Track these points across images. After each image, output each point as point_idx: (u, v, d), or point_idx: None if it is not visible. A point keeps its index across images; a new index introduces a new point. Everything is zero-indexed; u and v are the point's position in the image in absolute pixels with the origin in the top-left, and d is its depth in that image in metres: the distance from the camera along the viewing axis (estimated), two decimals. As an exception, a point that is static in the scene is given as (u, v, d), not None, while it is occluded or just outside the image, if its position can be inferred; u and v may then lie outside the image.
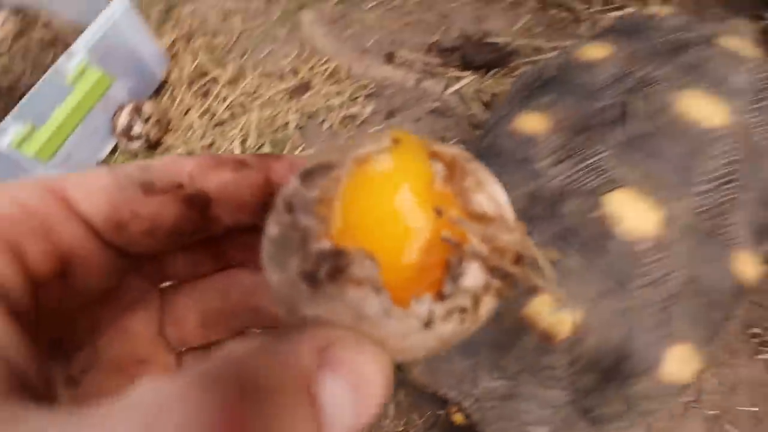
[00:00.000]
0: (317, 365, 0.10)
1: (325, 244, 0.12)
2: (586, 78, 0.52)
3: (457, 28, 0.97)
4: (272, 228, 0.13)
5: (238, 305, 0.19)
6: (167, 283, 0.20)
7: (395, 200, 0.12)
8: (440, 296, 0.12)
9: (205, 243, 0.19)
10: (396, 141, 0.13)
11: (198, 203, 0.16)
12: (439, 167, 0.14)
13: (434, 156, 0.14)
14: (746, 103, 0.44)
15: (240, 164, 0.17)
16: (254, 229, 0.15)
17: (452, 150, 0.14)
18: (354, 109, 0.91)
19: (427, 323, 0.12)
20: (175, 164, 0.16)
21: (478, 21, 0.97)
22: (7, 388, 0.10)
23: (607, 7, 0.94)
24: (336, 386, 0.10)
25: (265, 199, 0.17)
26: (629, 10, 0.93)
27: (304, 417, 0.10)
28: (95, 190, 0.15)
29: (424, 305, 0.12)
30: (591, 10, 0.95)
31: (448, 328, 0.12)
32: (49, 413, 0.09)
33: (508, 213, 0.14)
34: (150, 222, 0.16)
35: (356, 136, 0.18)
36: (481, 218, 0.13)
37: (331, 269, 0.11)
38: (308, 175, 0.13)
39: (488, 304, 0.13)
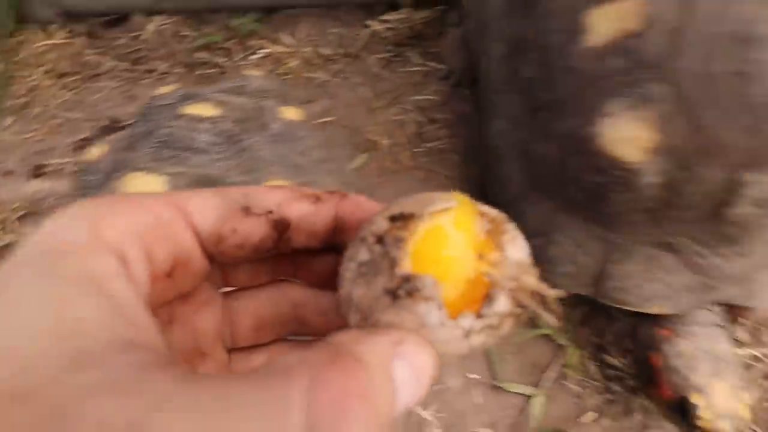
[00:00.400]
0: (393, 354, 0.16)
1: (407, 270, 0.18)
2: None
3: (106, 117, 0.92)
4: (363, 254, 0.19)
5: (287, 315, 0.23)
6: (229, 289, 0.24)
7: (454, 245, 0.19)
8: (479, 315, 0.18)
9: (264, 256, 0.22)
10: (457, 201, 0.19)
11: (281, 227, 0.22)
12: (485, 223, 0.20)
13: (482, 215, 0.20)
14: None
15: (317, 198, 0.22)
16: (312, 254, 0.23)
17: (494, 212, 0.21)
18: (9, 237, 0.79)
19: (467, 334, 0.18)
20: (269, 193, 0.22)
21: (127, 104, 0.94)
22: (164, 362, 0.14)
23: (247, 54, 0.98)
24: (405, 370, 0.16)
25: (330, 228, 0.22)
26: (265, 50, 0.98)
27: (385, 386, 0.15)
28: (208, 208, 0.20)
29: (467, 320, 0.18)
30: (234, 60, 0.98)
31: (479, 339, 0.18)
32: (204, 380, 0.14)
33: (529, 260, 0.20)
34: (243, 238, 0.21)
35: (429, 195, 0.19)
36: (510, 263, 0.19)
37: (409, 288, 0.17)
38: (395, 219, 0.19)
39: (507, 325, 0.19)
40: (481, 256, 0.19)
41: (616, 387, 0.72)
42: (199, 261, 0.21)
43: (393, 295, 0.18)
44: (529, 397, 0.71)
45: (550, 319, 0.20)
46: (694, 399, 0.60)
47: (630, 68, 0.51)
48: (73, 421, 0.12)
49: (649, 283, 0.60)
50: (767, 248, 0.58)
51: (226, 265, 0.23)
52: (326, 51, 0.99)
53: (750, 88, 0.47)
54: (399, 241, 0.18)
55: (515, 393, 0.72)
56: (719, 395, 0.59)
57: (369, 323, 0.18)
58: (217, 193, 0.21)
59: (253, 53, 0.97)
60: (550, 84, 0.58)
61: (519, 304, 0.19)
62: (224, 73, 0.96)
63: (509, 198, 0.71)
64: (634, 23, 0.50)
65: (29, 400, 0.12)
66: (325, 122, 0.91)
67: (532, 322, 0.72)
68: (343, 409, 0.14)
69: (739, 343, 0.75)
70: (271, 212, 0.21)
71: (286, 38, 1.00)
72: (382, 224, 0.19)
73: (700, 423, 0.59)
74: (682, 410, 0.61)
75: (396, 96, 0.95)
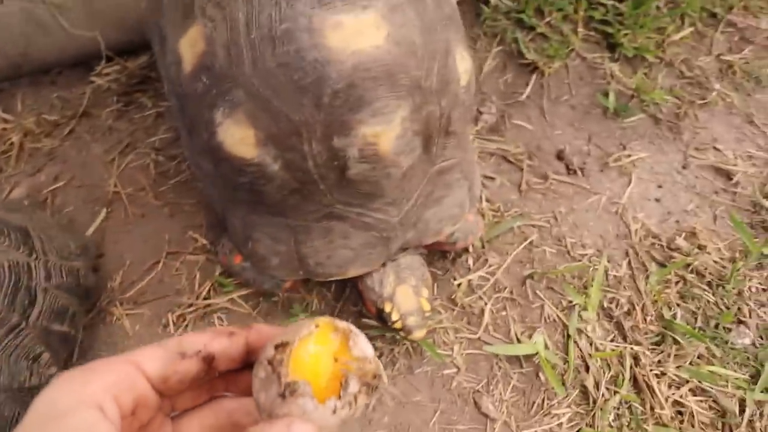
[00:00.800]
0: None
1: (289, 379, 0.30)
2: None
3: None
4: (261, 372, 0.31)
5: (225, 422, 0.35)
6: (176, 413, 0.36)
7: (317, 356, 0.32)
8: (339, 397, 0.31)
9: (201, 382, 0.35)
10: (317, 325, 0.33)
11: (209, 360, 0.33)
12: (337, 335, 0.34)
13: (336, 330, 0.34)
14: None
15: (231, 333, 0.35)
16: (236, 371, 0.36)
17: (344, 325, 0.34)
18: None
19: (334, 411, 0.30)
20: (196, 337, 0.34)
21: None
22: None
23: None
24: None
25: (244, 353, 0.35)
26: (-19, 132, 0.95)
27: None
28: (155, 359, 0.31)
29: (332, 402, 0.30)
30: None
31: (344, 412, 0.31)
32: None
33: (371, 354, 0.33)
34: (183, 375, 0.32)
35: (300, 323, 0.36)
36: (356, 358, 0.33)
37: (291, 390, 0.30)
38: (278, 347, 0.31)
39: (362, 399, 0.32)
40: (336, 359, 0.33)
41: (378, 344, 0.82)
42: (152, 398, 0.32)
43: (282, 396, 0.30)
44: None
45: (380, 384, 0.34)
46: (386, 308, 0.71)
47: (213, 83, 0.59)
48: None
49: (336, 252, 0.69)
50: (415, 191, 0.70)
51: (172, 396, 0.35)
52: (52, 117, 0.98)
53: (293, 74, 0.56)
54: (281, 362, 0.31)
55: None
56: (402, 299, 0.71)
57: (273, 416, 0.30)
58: (160, 346, 0.33)
59: (-32, 140, 0.93)
60: (183, 110, 0.65)
61: (366, 384, 0.32)
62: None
63: (221, 214, 0.77)
64: (202, 46, 0.58)
65: None
66: (56, 188, 0.91)
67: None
68: None
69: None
70: (200, 351, 0.33)
71: (3, 115, 0.97)
72: (270, 351, 0.32)
73: (394, 325, 0.71)
74: (383, 320, 0.72)
75: (131, 143, 0.96)
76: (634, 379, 0.83)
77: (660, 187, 1.06)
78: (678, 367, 0.84)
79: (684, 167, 1.09)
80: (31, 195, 0.89)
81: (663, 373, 0.83)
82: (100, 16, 0.94)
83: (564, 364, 0.83)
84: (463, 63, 0.68)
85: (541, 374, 0.82)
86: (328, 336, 0.34)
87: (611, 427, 0.77)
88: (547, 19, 1.17)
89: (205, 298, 0.82)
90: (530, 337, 0.84)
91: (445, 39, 0.65)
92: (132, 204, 0.89)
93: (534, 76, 1.14)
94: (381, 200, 0.67)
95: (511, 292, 0.88)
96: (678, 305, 0.90)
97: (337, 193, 0.65)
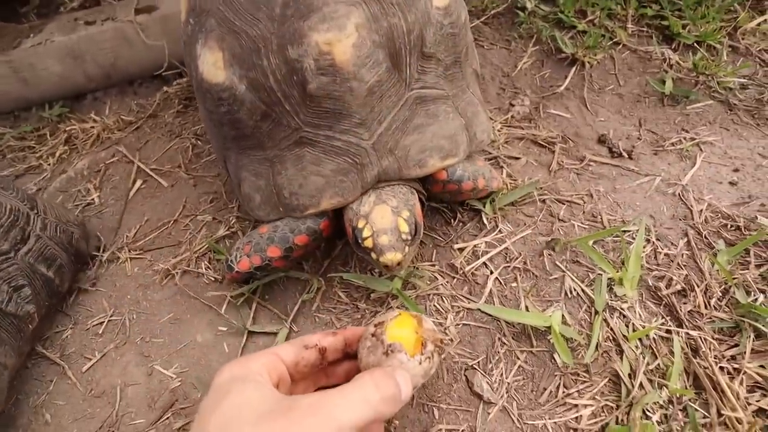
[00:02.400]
0: (386, 375, 0.48)
1: (389, 342, 0.52)
2: None
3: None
4: (368, 342, 0.53)
5: None
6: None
7: (403, 329, 0.54)
8: (422, 353, 0.52)
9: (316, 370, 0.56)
10: (399, 313, 0.56)
11: (322, 351, 0.54)
12: (414, 318, 0.56)
13: (413, 315, 0.56)
14: None
15: (334, 333, 0.56)
16: (335, 363, 0.58)
17: (418, 315, 0.57)
18: None
19: (420, 363, 0.52)
20: (313, 336, 0.55)
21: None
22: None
23: (58, 134, 1.14)
24: (401, 378, 0.48)
25: (343, 346, 0.56)
26: (72, 127, 1.15)
27: (392, 385, 0.47)
28: (289, 351, 0.52)
29: (417, 357, 0.52)
30: (46, 142, 1.13)
31: (426, 364, 0.52)
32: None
33: (433, 327, 0.56)
34: (306, 361, 0.53)
35: (389, 312, 0.57)
36: (428, 330, 0.55)
37: (392, 349, 0.51)
38: (377, 325, 0.54)
39: (436, 356, 0.54)
40: (416, 331, 0.54)
41: (362, 304, 0.73)
42: (287, 378, 0.51)
43: (386, 354, 0.51)
44: (276, 334, 0.72)
45: (441, 346, 0.56)
46: (359, 223, 0.63)
47: (196, 21, 0.66)
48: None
49: (308, 179, 0.67)
50: (388, 113, 0.66)
51: (296, 381, 0.54)
52: (129, 118, 1.16)
53: None
54: (382, 333, 0.53)
55: (265, 333, 0.72)
56: (378, 216, 0.63)
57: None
58: (290, 343, 0.53)
59: (64, 132, 1.13)
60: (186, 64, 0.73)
61: (436, 345, 0.54)
62: (35, 154, 1.11)
63: (221, 161, 0.80)
64: None
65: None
66: (110, 163, 1.04)
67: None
68: (387, 385, 0.46)
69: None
70: (316, 344, 0.54)
71: (93, 117, 1.17)
72: (371, 329, 0.54)
73: (364, 243, 0.62)
74: (357, 242, 0.63)
75: (179, 132, 1.08)
76: (694, 375, 0.61)
77: (737, 170, 0.87)
78: (762, 366, 0.61)
79: (772, 152, 0.89)
80: (90, 166, 1.03)
81: (737, 370, 0.61)
82: (171, 33, 1.13)
83: (588, 343, 0.65)
84: (435, -15, 0.67)
85: (557, 357, 0.65)
86: (408, 318, 0.56)
87: (655, 427, 0.56)
88: (590, 18, 1.12)
89: (198, 254, 0.83)
90: (545, 311, 0.69)
91: (411, -40, 0.66)
92: (166, 177, 0.98)
93: (573, 69, 1.07)
94: (348, 120, 0.64)
95: (525, 263, 0.75)
96: (762, 291, 0.67)
97: (304, 114, 0.64)
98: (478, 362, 0.66)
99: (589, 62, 1.07)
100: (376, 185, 0.68)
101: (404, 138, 0.67)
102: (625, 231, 0.76)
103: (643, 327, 0.65)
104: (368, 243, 0.62)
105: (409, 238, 0.63)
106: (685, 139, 0.93)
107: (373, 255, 0.62)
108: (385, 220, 0.63)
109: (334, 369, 0.58)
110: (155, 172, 1.00)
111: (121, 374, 0.71)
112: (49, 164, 1.07)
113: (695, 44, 1.07)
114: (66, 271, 0.78)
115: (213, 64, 0.64)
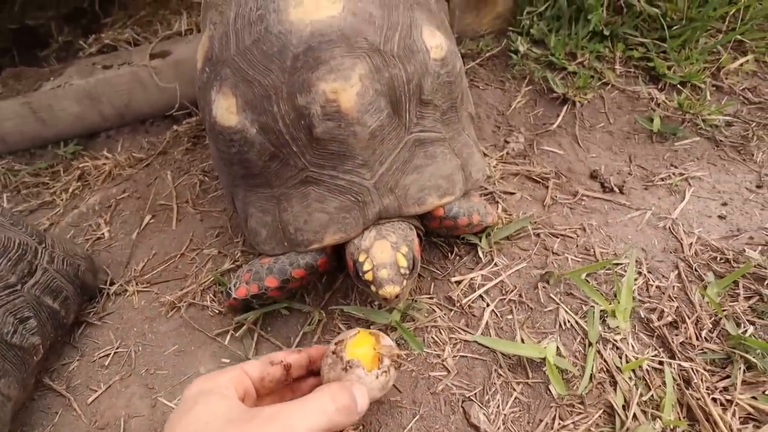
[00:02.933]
0: (351, 387, 0.53)
1: (348, 359, 0.57)
2: None
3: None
4: (329, 359, 0.59)
5: None
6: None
7: (361, 345, 0.59)
8: (379, 368, 0.58)
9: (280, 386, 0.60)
10: (358, 331, 0.61)
11: (287, 368, 0.58)
12: (371, 336, 0.61)
13: (369, 333, 0.61)
14: None
15: (298, 351, 0.61)
16: (299, 379, 0.62)
17: (374, 331, 0.63)
18: None
19: (377, 377, 0.57)
20: (279, 354, 0.59)
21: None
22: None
23: (71, 170, 1.19)
24: (357, 393, 0.53)
25: (307, 363, 0.61)
26: (86, 164, 1.20)
27: (347, 397, 0.52)
28: (255, 366, 0.56)
29: (374, 371, 0.57)
30: (59, 178, 1.18)
31: (383, 378, 0.58)
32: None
33: (393, 344, 0.61)
34: (271, 376, 0.57)
35: (348, 331, 0.62)
36: (385, 347, 0.59)
37: (350, 365, 0.57)
38: (337, 343, 0.60)
39: (392, 370, 0.60)
40: (373, 348, 0.59)
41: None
42: (253, 392, 0.55)
43: (345, 369, 0.57)
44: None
45: (403, 361, 0.63)
46: (360, 257, 0.66)
47: (212, 69, 0.71)
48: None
49: (312, 216, 0.70)
50: (389, 155, 0.70)
51: (262, 397, 0.57)
52: (140, 155, 1.21)
53: (263, 46, 0.66)
54: (341, 351, 0.58)
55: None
56: (378, 251, 0.66)
57: None
58: (257, 360, 0.58)
59: (77, 169, 1.18)
60: (199, 107, 0.78)
61: (393, 360, 0.59)
62: (48, 190, 1.16)
63: (229, 197, 0.84)
64: (206, 44, 0.73)
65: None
66: (121, 198, 1.08)
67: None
68: (343, 397, 0.51)
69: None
70: (281, 361, 0.58)
71: (105, 154, 1.22)
72: (332, 346, 0.60)
73: (364, 276, 0.64)
74: (357, 275, 0.66)
75: (187, 169, 1.13)
76: (687, 406, 0.62)
77: (725, 204, 0.90)
78: (753, 397, 0.62)
79: (759, 186, 0.93)
80: (102, 202, 1.07)
81: (729, 402, 0.62)
82: (182, 76, 1.20)
83: (581, 374, 0.66)
84: (433, 39, 0.72)
85: (552, 388, 0.66)
86: (366, 336, 0.60)
87: (648, 460, 0.57)
88: (579, 60, 1.18)
89: (204, 287, 0.85)
90: (540, 343, 0.70)
91: (410, 16, 0.71)
92: (173, 212, 1.02)
93: (565, 108, 1.12)
94: (351, 161, 0.68)
95: (520, 295, 0.77)
96: (752, 323, 0.69)
97: (310, 155, 0.69)
98: (475, 394, 0.67)
99: (579, 101, 1.12)
100: (377, 222, 0.71)
101: (404, 178, 0.71)
102: (616, 264, 0.79)
103: (636, 358, 0.67)
104: (368, 276, 0.65)
105: (407, 272, 0.65)
106: (674, 174, 0.96)
107: (373, 288, 0.65)
108: (385, 254, 0.66)
109: (299, 385, 0.62)
110: (163, 207, 1.04)
111: (126, 406, 0.72)
112: (62, 200, 1.11)
113: (680, 84, 1.12)
114: (71, 303, 0.80)
115: (226, 109, 0.69)
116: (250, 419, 0.46)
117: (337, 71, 0.65)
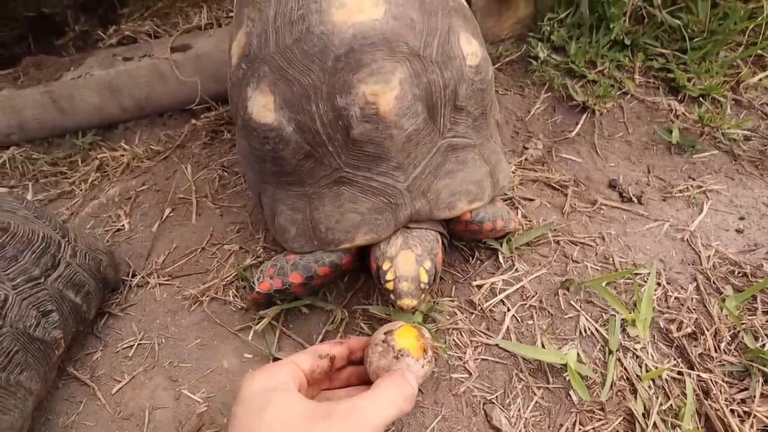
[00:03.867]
0: (406, 375, 0.56)
1: (399, 348, 0.59)
2: None
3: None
4: (378, 348, 0.60)
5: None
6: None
7: (408, 336, 0.61)
8: (425, 357, 0.60)
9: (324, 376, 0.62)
10: (403, 323, 0.64)
11: (332, 360, 0.61)
12: (413, 329, 0.63)
13: (413, 325, 0.64)
14: None
15: (340, 343, 0.63)
16: (338, 370, 0.64)
17: (417, 325, 0.65)
18: None
19: (423, 366, 0.59)
20: (325, 346, 0.62)
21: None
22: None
23: (89, 161, 1.20)
24: (411, 380, 0.56)
25: (348, 354, 0.64)
26: (103, 155, 1.20)
27: (410, 386, 0.55)
28: (306, 360, 0.58)
29: (421, 360, 0.59)
30: (77, 168, 1.19)
31: (428, 366, 0.60)
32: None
33: (430, 337, 0.66)
34: (320, 369, 0.59)
35: (392, 323, 0.64)
36: (426, 339, 0.62)
37: (401, 354, 0.59)
38: (386, 333, 0.61)
39: (433, 360, 0.62)
40: (417, 339, 0.61)
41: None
42: (305, 384, 0.56)
43: (396, 358, 0.59)
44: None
45: (442, 351, 0.72)
46: (384, 265, 0.67)
47: (249, 66, 0.72)
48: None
49: (345, 216, 0.71)
50: (423, 159, 0.71)
51: (310, 385, 0.59)
52: (158, 148, 1.22)
53: (304, 46, 0.66)
54: (392, 340, 0.60)
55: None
56: (402, 262, 0.67)
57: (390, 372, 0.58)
58: (306, 353, 0.59)
59: (95, 159, 1.19)
60: (233, 104, 0.79)
61: (434, 351, 0.63)
62: (67, 179, 1.16)
63: (255, 194, 0.85)
64: (243, 40, 0.73)
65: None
66: (140, 191, 1.08)
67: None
68: (407, 387, 0.54)
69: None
70: (328, 354, 0.60)
71: (123, 145, 1.23)
72: (381, 336, 0.61)
73: (386, 285, 0.66)
74: (379, 279, 0.67)
75: (206, 163, 1.14)
76: (705, 417, 0.64)
77: (742, 219, 0.91)
78: (772, 409, 0.63)
79: (776, 202, 0.94)
80: (122, 193, 1.08)
81: (747, 414, 0.63)
82: (203, 70, 1.20)
83: (602, 382, 0.67)
84: (469, 45, 0.73)
85: (573, 394, 0.67)
86: (410, 328, 0.63)
87: (668, 468, 0.58)
88: (599, 69, 1.19)
89: (226, 282, 0.86)
90: (560, 349, 0.71)
91: (448, 23, 0.72)
92: (193, 206, 1.02)
93: (584, 116, 1.13)
94: (386, 164, 0.69)
95: (541, 301, 0.78)
96: (769, 336, 0.70)
97: (345, 156, 0.69)
98: (496, 396, 0.68)
99: (599, 110, 1.12)
100: (406, 225, 0.72)
101: (436, 182, 0.72)
102: (636, 274, 0.80)
103: (656, 368, 0.68)
104: (390, 286, 0.67)
105: (427, 287, 0.67)
106: (692, 186, 0.97)
107: (392, 296, 0.67)
108: (408, 266, 0.67)
109: (338, 374, 0.65)
110: (183, 201, 1.05)
111: (150, 397, 0.73)
112: (81, 190, 1.12)
113: (700, 97, 1.13)
114: (93, 297, 0.80)
115: (263, 106, 0.69)
116: (328, 415, 0.48)
117: (378, 74, 0.65)
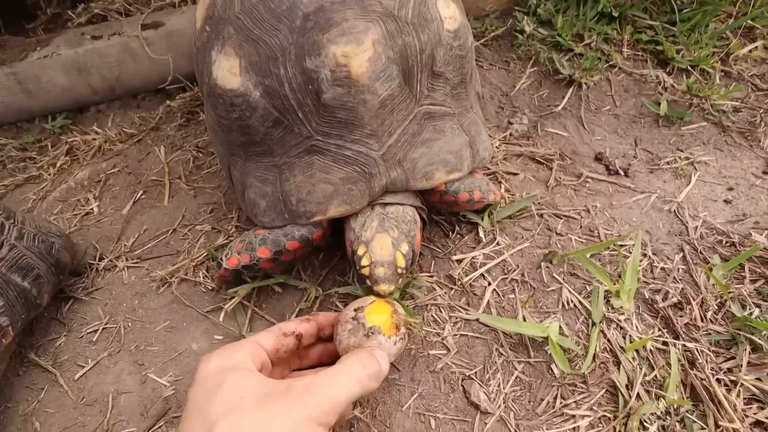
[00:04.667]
0: (374, 352, 0.53)
1: (369, 325, 0.57)
2: None
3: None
4: (348, 325, 0.57)
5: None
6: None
7: (380, 313, 0.59)
8: (397, 334, 0.57)
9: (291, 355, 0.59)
10: (373, 299, 0.61)
11: (299, 337, 0.58)
12: (386, 304, 0.61)
13: (386, 301, 0.62)
14: None
15: (308, 320, 0.60)
16: (307, 348, 0.62)
17: (390, 300, 0.63)
18: None
19: (395, 343, 0.57)
20: (291, 323, 0.58)
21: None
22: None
23: (59, 146, 1.15)
24: (381, 358, 0.52)
25: (316, 331, 0.61)
26: (74, 139, 1.16)
27: (376, 363, 0.51)
28: (270, 339, 0.55)
29: (393, 337, 0.57)
30: (47, 153, 1.14)
31: (400, 343, 0.58)
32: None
33: (404, 313, 0.61)
34: (285, 347, 0.56)
35: (363, 298, 0.62)
36: (400, 314, 0.60)
37: (372, 331, 0.56)
38: (356, 310, 0.59)
39: (407, 337, 0.59)
40: (390, 316, 0.58)
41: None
42: (269, 365, 0.53)
43: (366, 335, 0.56)
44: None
45: (417, 327, 0.68)
46: (359, 250, 0.64)
47: (213, 28, 0.68)
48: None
49: (316, 186, 0.68)
50: (398, 127, 0.67)
51: (275, 366, 0.56)
52: (131, 131, 1.17)
53: (271, 4, 0.63)
54: (362, 317, 0.57)
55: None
56: (378, 246, 0.64)
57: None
58: (269, 331, 0.56)
59: (65, 144, 1.14)
60: (196, 71, 0.75)
61: (407, 327, 0.59)
62: (35, 164, 1.12)
63: (225, 168, 0.81)
64: (209, 2, 0.70)
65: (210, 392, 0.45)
66: (111, 173, 1.04)
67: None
68: (372, 364, 0.50)
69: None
70: (294, 331, 0.57)
71: (95, 129, 1.18)
72: (351, 313, 0.58)
73: (362, 270, 0.63)
74: (355, 263, 0.64)
75: (180, 145, 1.10)
76: (691, 387, 0.61)
77: (731, 189, 0.88)
78: (758, 378, 0.60)
79: (765, 172, 0.91)
80: (91, 177, 1.04)
81: (734, 383, 0.61)
82: (176, 48, 1.16)
83: (585, 354, 0.65)
84: (447, 9, 0.69)
85: (554, 368, 0.65)
86: (383, 304, 0.60)
87: (652, 440, 0.56)
88: (587, 42, 1.15)
89: (197, 262, 0.83)
90: (542, 322, 0.69)
91: (423, -16, 0.68)
92: (165, 188, 0.99)
93: (571, 90, 1.10)
94: (360, 131, 0.66)
95: (522, 275, 0.75)
96: (758, 305, 0.68)
97: (316, 123, 0.66)
98: (476, 372, 0.66)
99: (585, 83, 1.09)
100: (382, 198, 0.69)
101: (412, 151, 0.68)
102: (621, 245, 0.77)
103: (640, 339, 0.65)
104: (365, 271, 0.64)
105: (404, 271, 0.64)
106: (680, 158, 0.94)
107: (368, 282, 0.64)
108: (384, 251, 0.64)
109: (308, 352, 0.62)
110: (155, 183, 1.01)
111: (114, 382, 0.70)
112: (49, 174, 1.08)
113: (689, 69, 1.10)
114: (45, 282, 0.75)
115: (228, 70, 0.66)
116: (285, 392, 0.45)
117: (350, 34, 0.62)
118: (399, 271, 0.64)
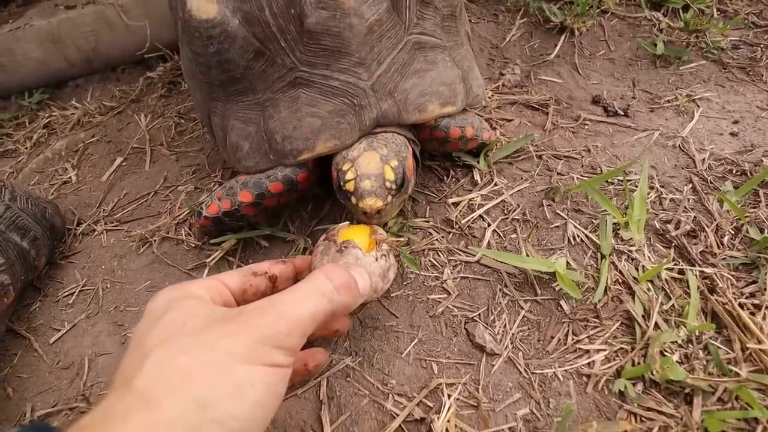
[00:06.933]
0: (335, 265, 0.46)
1: (341, 240, 0.53)
2: None
3: None
4: (320, 246, 0.54)
5: None
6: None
7: (356, 233, 0.54)
8: (378, 250, 0.53)
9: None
10: (350, 223, 0.58)
11: (273, 279, 0.50)
12: (365, 227, 0.57)
13: (365, 225, 0.58)
14: None
15: (283, 262, 0.53)
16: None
17: (370, 225, 0.59)
18: None
19: (376, 259, 0.52)
20: (264, 264, 0.51)
21: None
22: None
23: (37, 121, 1.11)
24: (346, 272, 0.45)
25: (294, 273, 0.54)
26: (54, 115, 1.11)
27: (343, 274, 0.45)
28: (235, 277, 0.47)
29: (373, 253, 0.52)
30: (25, 129, 1.10)
31: (382, 261, 0.53)
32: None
33: (384, 231, 0.58)
34: (255, 288, 0.49)
35: (340, 224, 0.56)
36: (379, 234, 0.56)
37: (345, 245, 0.52)
38: (328, 232, 0.56)
39: (392, 257, 0.55)
40: (369, 235, 0.54)
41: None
42: (233, 302, 0.46)
43: (340, 251, 0.51)
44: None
45: (396, 248, 0.59)
46: (344, 166, 0.59)
47: None
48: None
49: (303, 121, 0.63)
50: (388, 55, 0.63)
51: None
52: (111, 104, 1.13)
53: None
54: (334, 235, 0.53)
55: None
56: (364, 162, 0.59)
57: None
58: (237, 270, 0.48)
59: (43, 119, 1.10)
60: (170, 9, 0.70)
61: (389, 246, 0.54)
62: (11, 139, 1.07)
63: (205, 117, 0.76)
64: None
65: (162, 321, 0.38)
66: (90, 142, 1.00)
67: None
68: (339, 275, 0.43)
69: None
70: (266, 272, 0.50)
71: (74, 104, 1.14)
72: (323, 237, 0.55)
73: (345, 186, 0.58)
74: (339, 186, 0.60)
75: (162, 112, 1.05)
76: (712, 313, 0.57)
77: (736, 122, 0.84)
78: (785, 300, 0.56)
79: (771, 105, 0.87)
80: (69, 147, 0.99)
81: (757, 306, 0.56)
82: (153, 15, 1.11)
83: (595, 287, 0.60)
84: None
85: (564, 304, 0.60)
86: (360, 227, 0.56)
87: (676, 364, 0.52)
88: (577, -10, 1.11)
89: (179, 220, 0.78)
90: (548, 259, 0.64)
91: None
92: (147, 154, 0.94)
93: (563, 37, 1.05)
94: (347, 59, 0.61)
95: (524, 213, 0.71)
96: (776, 228, 0.64)
97: (300, 52, 0.61)
98: (479, 314, 0.61)
99: (578, 30, 1.05)
100: (372, 131, 0.64)
101: (404, 81, 0.64)
102: (627, 180, 0.73)
103: (654, 266, 0.61)
104: (350, 186, 0.58)
105: (394, 187, 0.59)
106: (680, 96, 0.90)
107: (353, 199, 0.58)
108: (372, 165, 0.59)
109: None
110: (136, 150, 0.96)
111: (92, 344, 0.65)
112: (25, 147, 1.03)
113: (683, 9, 1.06)
114: (42, 245, 0.72)
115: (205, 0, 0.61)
116: (235, 316, 0.38)
117: (333, -49, 0.57)
118: (388, 185, 0.58)
